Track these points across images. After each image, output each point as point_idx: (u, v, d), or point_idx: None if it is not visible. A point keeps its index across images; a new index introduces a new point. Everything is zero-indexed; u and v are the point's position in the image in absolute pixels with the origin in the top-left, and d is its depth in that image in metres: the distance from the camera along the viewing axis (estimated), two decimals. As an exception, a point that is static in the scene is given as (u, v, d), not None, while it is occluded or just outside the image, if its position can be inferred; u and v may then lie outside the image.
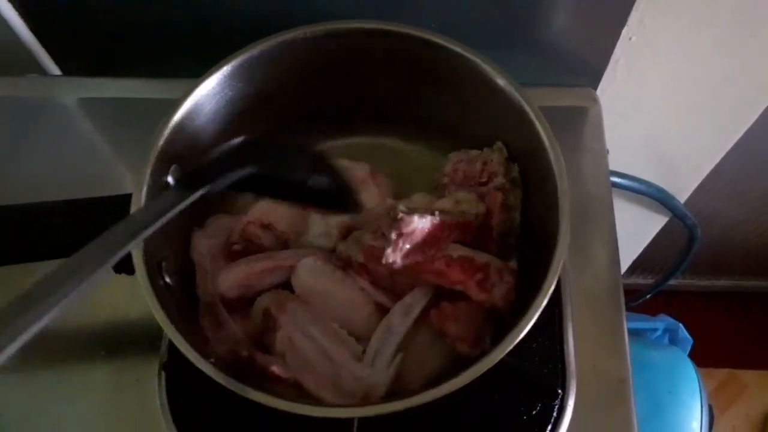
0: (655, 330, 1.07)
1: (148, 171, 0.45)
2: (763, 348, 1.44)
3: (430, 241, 0.47)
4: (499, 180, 0.51)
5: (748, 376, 1.44)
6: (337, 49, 0.54)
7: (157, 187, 0.46)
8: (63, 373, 0.56)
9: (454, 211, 0.49)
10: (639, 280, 1.37)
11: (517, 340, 0.41)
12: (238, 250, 0.52)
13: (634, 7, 0.61)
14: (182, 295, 0.49)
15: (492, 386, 0.42)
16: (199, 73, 0.50)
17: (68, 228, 0.46)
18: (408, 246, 0.47)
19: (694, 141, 0.80)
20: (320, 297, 0.50)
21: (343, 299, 0.49)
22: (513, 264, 0.49)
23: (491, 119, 0.53)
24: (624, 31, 0.64)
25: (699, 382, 0.90)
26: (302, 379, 0.45)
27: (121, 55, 0.73)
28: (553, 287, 0.42)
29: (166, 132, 0.47)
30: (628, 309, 0.58)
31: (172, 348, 0.41)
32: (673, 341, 1.07)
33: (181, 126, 0.48)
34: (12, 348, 0.27)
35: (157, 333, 0.54)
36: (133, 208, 0.44)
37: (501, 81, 0.50)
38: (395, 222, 0.46)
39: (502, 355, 0.41)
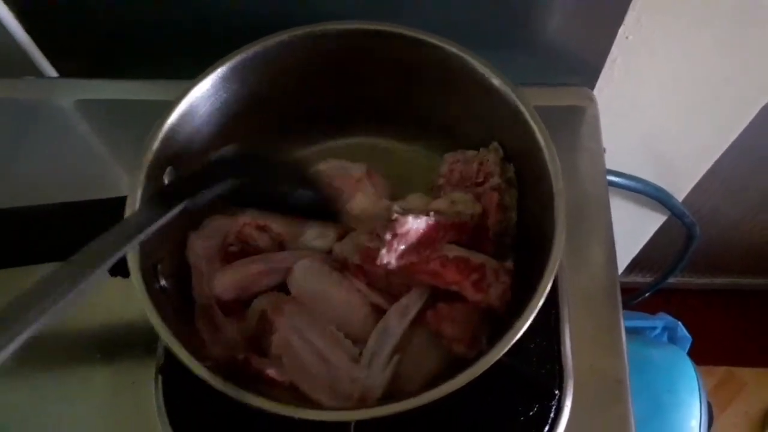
0: (654, 328, 1.07)
1: (143, 174, 0.45)
2: (762, 345, 1.44)
3: (425, 242, 0.47)
4: (495, 180, 0.51)
5: (747, 373, 1.44)
6: (332, 50, 0.54)
7: (153, 189, 0.46)
8: (59, 376, 0.56)
9: (449, 212, 0.49)
10: (638, 279, 1.37)
11: (514, 341, 0.41)
12: (234, 251, 0.52)
13: (631, 6, 0.61)
14: (178, 298, 0.49)
15: (488, 387, 0.42)
16: (199, 74, 0.50)
17: (61, 231, 0.46)
18: (403, 247, 0.47)
19: (693, 140, 0.80)
20: (317, 299, 0.50)
21: (340, 301, 0.49)
22: (509, 264, 0.49)
23: (487, 119, 0.53)
24: (621, 30, 0.64)
25: (698, 380, 0.90)
26: (298, 382, 0.45)
27: (120, 56, 0.73)
28: (549, 287, 0.42)
29: (160, 135, 0.47)
30: (627, 307, 0.58)
31: (169, 351, 0.41)
32: (672, 339, 1.07)
33: (175, 129, 0.48)
34: (7, 351, 0.28)
35: (153, 335, 0.53)
36: (128, 211, 0.44)
37: (496, 81, 0.50)
38: (390, 223, 0.46)
39: (498, 357, 0.40)
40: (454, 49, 0.51)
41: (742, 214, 1.16)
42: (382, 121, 0.61)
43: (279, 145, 0.60)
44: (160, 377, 0.53)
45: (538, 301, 0.42)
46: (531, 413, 0.52)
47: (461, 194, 0.52)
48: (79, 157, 0.68)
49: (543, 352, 0.54)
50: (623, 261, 1.17)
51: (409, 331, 0.48)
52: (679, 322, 1.06)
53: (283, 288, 0.51)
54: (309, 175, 0.48)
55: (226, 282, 0.49)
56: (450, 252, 0.48)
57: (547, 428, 0.51)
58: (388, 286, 0.50)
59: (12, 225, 0.48)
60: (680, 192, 0.89)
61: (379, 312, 0.49)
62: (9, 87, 0.73)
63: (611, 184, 0.76)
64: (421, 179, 0.58)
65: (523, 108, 0.48)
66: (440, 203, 0.51)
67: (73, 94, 0.72)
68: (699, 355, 0.96)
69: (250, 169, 0.45)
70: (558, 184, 0.46)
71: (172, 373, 0.53)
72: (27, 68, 0.73)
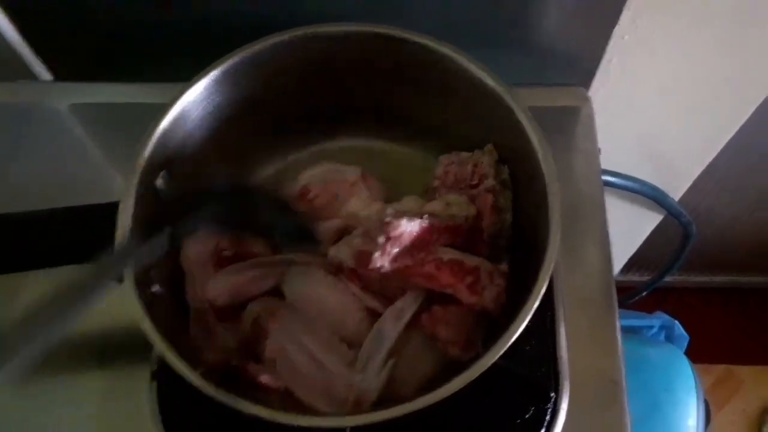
0: (651, 327, 1.07)
1: (136, 179, 0.45)
2: (759, 343, 1.44)
3: (419, 245, 0.47)
4: (490, 182, 0.51)
5: (744, 372, 1.44)
6: (326, 52, 0.53)
7: (147, 193, 0.46)
8: (54, 382, 0.55)
9: (443, 214, 0.49)
10: (635, 278, 1.37)
11: (509, 343, 0.41)
12: (228, 256, 0.51)
13: (626, 6, 0.61)
14: (172, 303, 0.48)
15: (484, 390, 0.42)
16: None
17: (53, 237, 0.46)
18: (396, 250, 0.46)
19: (690, 140, 0.80)
20: (311, 303, 0.49)
21: (335, 305, 0.49)
22: (504, 266, 0.49)
23: (481, 121, 0.53)
24: (616, 30, 0.63)
25: (695, 378, 0.90)
26: (293, 387, 0.44)
27: (120, 56, 0.72)
28: (544, 289, 0.42)
29: (153, 140, 0.47)
30: (623, 306, 0.58)
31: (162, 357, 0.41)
32: (669, 338, 1.07)
33: (168, 133, 0.48)
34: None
35: (147, 341, 0.54)
36: (120, 216, 0.44)
37: (490, 82, 0.50)
38: (383, 226, 0.46)
39: (494, 359, 0.40)
40: (449, 51, 0.51)
41: (738, 213, 1.16)
42: (378, 123, 0.61)
43: (273, 148, 0.61)
44: (154, 383, 0.53)
45: (533, 304, 0.41)
46: (527, 416, 0.52)
47: (456, 196, 0.52)
48: (74, 161, 0.68)
49: (538, 353, 0.54)
50: (620, 261, 1.17)
51: (404, 335, 0.48)
52: (676, 321, 1.06)
53: (277, 293, 0.51)
54: (289, 205, 0.51)
55: (219, 287, 0.49)
56: (444, 255, 0.48)
57: (543, 431, 0.51)
58: (383, 290, 0.49)
59: (2, 231, 0.48)
60: (676, 191, 0.89)
61: (373, 315, 0.49)
62: (3, 90, 0.72)
63: (607, 184, 0.76)
64: (416, 181, 0.57)
65: (516, 108, 0.48)
66: (435, 205, 0.51)
67: (68, 98, 0.72)
68: (696, 353, 0.96)
69: (233, 199, 0.47)
70: (552, 185, 0.45)
71: (166, 379, 0.52)
72: (20, 71, 0.72)
